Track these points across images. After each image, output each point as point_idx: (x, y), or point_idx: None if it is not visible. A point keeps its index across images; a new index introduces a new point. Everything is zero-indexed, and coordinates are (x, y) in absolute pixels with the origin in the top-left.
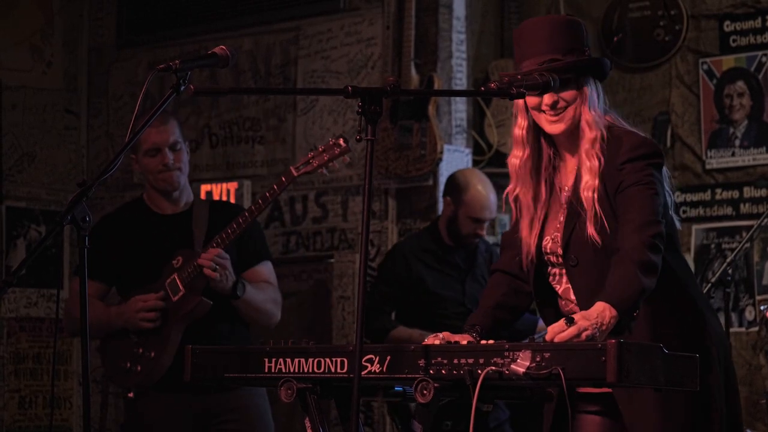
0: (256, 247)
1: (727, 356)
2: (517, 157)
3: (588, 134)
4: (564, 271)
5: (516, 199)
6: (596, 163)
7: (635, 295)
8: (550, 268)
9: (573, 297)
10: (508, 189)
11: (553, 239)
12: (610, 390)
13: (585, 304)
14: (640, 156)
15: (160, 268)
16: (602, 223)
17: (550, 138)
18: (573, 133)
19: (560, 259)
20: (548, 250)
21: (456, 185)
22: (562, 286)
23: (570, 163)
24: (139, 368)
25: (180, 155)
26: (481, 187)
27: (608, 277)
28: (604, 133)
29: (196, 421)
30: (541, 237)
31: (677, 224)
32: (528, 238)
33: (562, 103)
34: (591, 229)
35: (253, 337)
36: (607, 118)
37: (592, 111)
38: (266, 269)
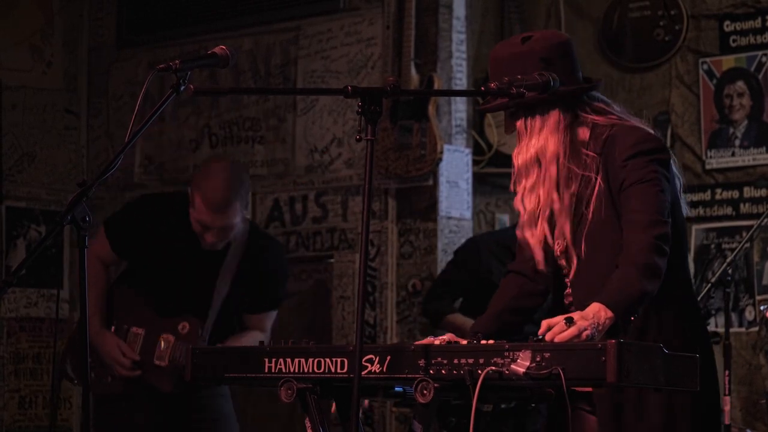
0: (276, 296)
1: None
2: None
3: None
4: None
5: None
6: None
7: (634, 298)
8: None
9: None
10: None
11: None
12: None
13: (581, 302)
14: (643, 151)
15: (171, 291)
16: (605, 223)
17: None
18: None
19: (563, 261)
20: (558, 253)
21: None
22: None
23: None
24: (109, 379)
25: (229, 233)
26: None
27: (609, 278)
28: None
29: (167, 421)
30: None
31: (685, 210)
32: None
33: (520, 134)
34: (591, 229)
35: None
36: (610, 117)
37: (536, 138)
38: (270, 318)
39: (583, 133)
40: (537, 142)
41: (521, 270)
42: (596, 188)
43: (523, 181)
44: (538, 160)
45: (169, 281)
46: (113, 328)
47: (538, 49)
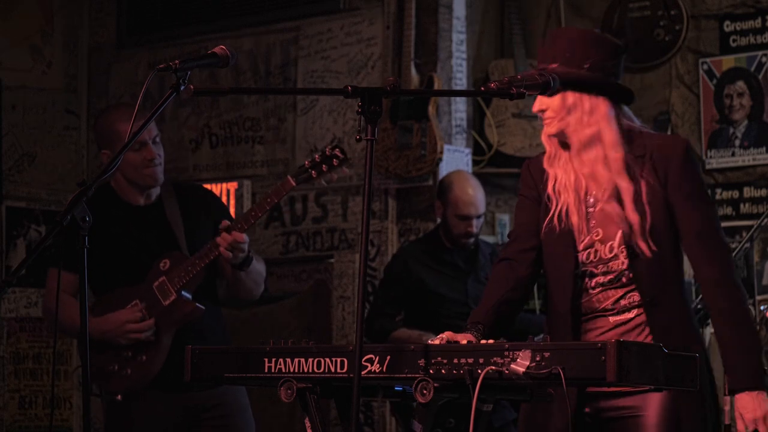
0: (227, 211)
1: None
2: (567, 171)
3: (603, 146)
4: (592, 269)
5: (549, 200)
6: (618, 167)
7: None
8: (576, 269)
9: (598, 288)
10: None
11: (594, 234)
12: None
13: (648, 289)
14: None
15: (143, 266)
16: (656, 222)
17: None
18: (588, 144)
19: (597, 256)
20: (584, 247)
21: (441, 187)
22: (585, 286)
23: (596, 171)
24: (129, 371)
25: (160, 149)
26: (464, 185)
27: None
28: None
29: (182, 419)
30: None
31: None
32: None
33: (548, 113)
34: (645, 228)
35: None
36: (635, 125)
37: (582, 126)
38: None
39: (622, 132)
40: (591, 120)
41: (516, 258)
42: (647, 187)
43: (577, 150)
44: (596, 139)
45: (132, 255)
46: None
47: (610, 38)
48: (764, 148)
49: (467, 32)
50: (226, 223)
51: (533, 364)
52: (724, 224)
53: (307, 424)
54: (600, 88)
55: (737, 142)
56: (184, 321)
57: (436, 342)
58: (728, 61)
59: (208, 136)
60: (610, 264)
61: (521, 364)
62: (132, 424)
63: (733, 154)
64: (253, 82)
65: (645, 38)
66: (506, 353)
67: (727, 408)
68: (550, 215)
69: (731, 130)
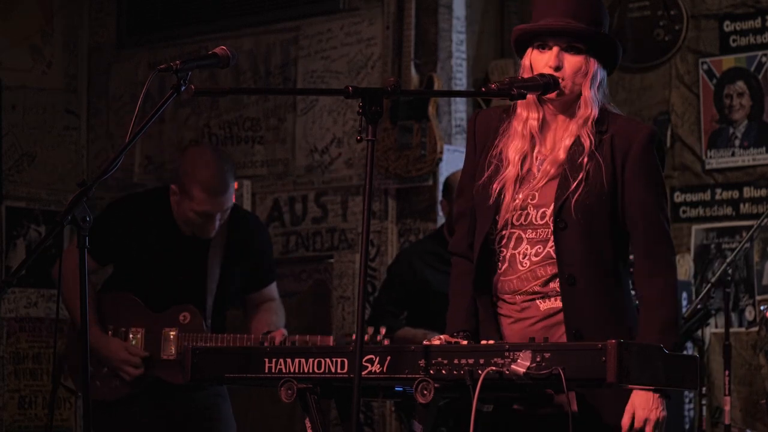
0: (271, 267)
1: None
2: (534, 119)
3: (583, 111)
4: (521, 233)
5: (495, 156)
6: (587, 142)
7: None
8: (500, 230)
9: (525, 263)
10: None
11: (530, 197)
12: None
13: (569, 267)
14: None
15: (161, 291)
16: (596, 196)
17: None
18: (570, 105)
19: (527, 219)
20: (515, 208)
21: (448, 185)
22: (511, 251)
23: (559, 133)
24: (117, 382)
25: (226, 214)
26: None
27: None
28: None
29: (166, 425)
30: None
31: None
32: (509, 196)
33: (565, 69)
34: (586, 198)
35: None
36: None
37: (592, 90)
38: (274, 287)
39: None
40: (589, 83)
41: (464, 252)
42: (595, 165)
43: (557, 109)
44: (576, 104)
45: (159, 277)
46: (110, 333)
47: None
48: (764, 148)
49: (467, 32)
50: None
51: (533, 364)
52: (724, 224)
53: (308, 424)
54: (611, 53)
55: (737, 142)
56: (168, 382)
57: (436, 342)
58: (728, 61)
59: (208, 136)
60: (539, 231)
61: (521, 364)
62: (120, 426)
63: (733, 154)
64: (253, 82)
65: (645, 38)
66: (506, 354)
67: (727, 408)
68: (489, 171)
69: (731, 130)
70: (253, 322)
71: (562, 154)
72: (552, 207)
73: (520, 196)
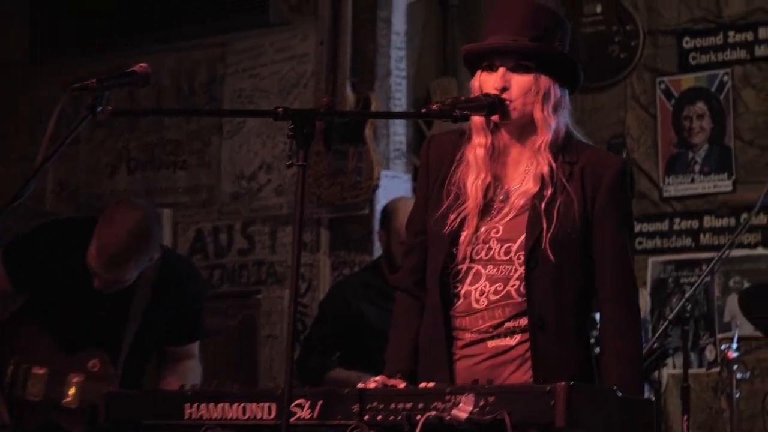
0: (198, 324)
1: None
2: (481, 146)
3: (539, 135)
4: (480, 268)
5: (453, 184)
6: (545, 168)
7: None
8: (456, 264)
9: (482, 301)
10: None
11: (493, 231)
12: None
13: (539, 306)
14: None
15: (75, 331)
16: (568, 233)
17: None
18: (525, 129)
19: (488, 254)
20: (476, 241)
21: (385, 215)
22: (467, 287)
23: (517, 161)
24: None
25: (120, 285)
26: (409, 212)
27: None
28: (560, 140)
29: None
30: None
31: None
32: (470, 228)
33: (512, 90)
34: (558, 234)
35: None
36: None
37: (545, 111)
38: (196, 346)
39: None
40: (546, 107)
41: (408, 288)
42: (565, 197)
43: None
44: (531, 128)
45: (74, 316)
46: (11, 368)
47: (552, 11)
48: (726, 174)
49: (407, 48)
50: None
51: (476, 409)
52: (682, 256)
53: None
54: (567, 70)
55: (697, 168)
56: (66, 431)
57: (372, 385)
58: (687, 80)
59: (126, 160)
60: (501, 267)
61: (464, 409)
62: None
63: (692, 181)
64: (176, 102)
65: (598, 55)
66: (447, 397)
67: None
68: (447, 202)
69: (690, 155)
70: (166, 375)
71: (531, 186)
72: (519, 242)
73: (483, 229)
